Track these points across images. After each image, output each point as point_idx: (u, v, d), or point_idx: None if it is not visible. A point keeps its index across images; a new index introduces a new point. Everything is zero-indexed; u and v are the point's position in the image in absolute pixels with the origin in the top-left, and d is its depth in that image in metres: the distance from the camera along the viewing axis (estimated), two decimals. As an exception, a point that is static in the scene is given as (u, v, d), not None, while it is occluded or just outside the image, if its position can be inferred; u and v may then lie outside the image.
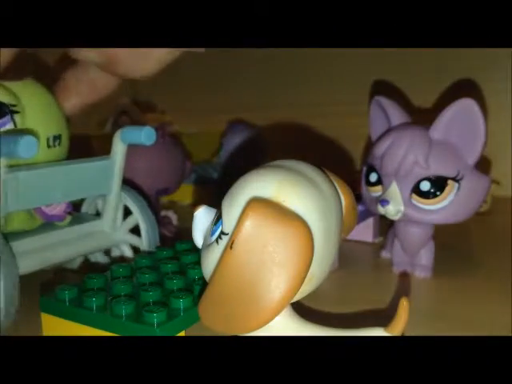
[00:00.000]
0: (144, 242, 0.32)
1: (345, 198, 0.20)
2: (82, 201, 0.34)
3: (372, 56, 0.56)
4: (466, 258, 0.37)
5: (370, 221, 0.40)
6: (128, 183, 0.33)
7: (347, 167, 0.57)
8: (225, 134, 0.57)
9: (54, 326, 0.23)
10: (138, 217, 0.32)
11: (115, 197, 0.31)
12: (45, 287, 0.30)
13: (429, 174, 0.30)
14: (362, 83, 0.58)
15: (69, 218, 0.30)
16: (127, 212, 0.33)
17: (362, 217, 0.38)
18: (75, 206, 0.34)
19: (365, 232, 0.40)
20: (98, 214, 0.33)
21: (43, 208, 0.28)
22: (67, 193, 0.29)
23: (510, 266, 0.34)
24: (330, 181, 0.19)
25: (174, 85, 0.69)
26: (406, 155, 0.30)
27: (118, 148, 0.31)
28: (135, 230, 0.33)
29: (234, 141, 0.55)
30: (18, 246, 0.27)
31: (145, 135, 0.29)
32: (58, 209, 0.29)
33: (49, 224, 0.30)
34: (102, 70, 0.29)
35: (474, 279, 0.32)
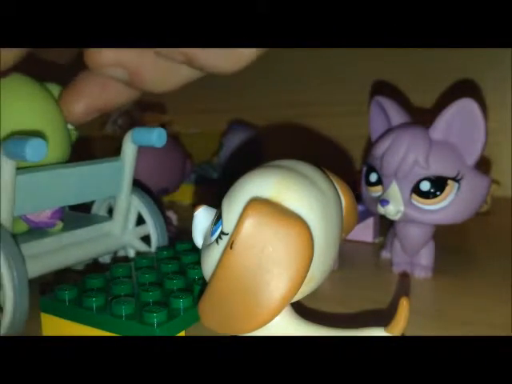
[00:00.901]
0: (153, 251, 0.32)
1: (345, 198, 0.20)
2: (92, 202, 0.34)
3: (372, 56, 0.56)
4: (465, 258, 0.37)
5: (370, 221, 0.40)
6: (134, 184, 0.33)
7: (347, 167, 0.57)
8: (225, 133, 0.57)
9: (54, 326, 0.23)
10: (150, 226, 0.32)
11: (125, 198, 0.31)
12: (45, 287, 0.30)
13: (429, 174, 0.30)
14: (362, 83, 0.58)
15: (60, 225, 0.29)
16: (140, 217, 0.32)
17: (362, 217, 0.38)
18: (86, 208, 0.34)
19: (365, 232, 0.40)
20: (110, 214, 0.33)
21: (28, 215, 0.28)
22: (77, 194, 0.29)
23: (510, 266, 0.34)
24: (330, 181, 0.19)
25: (174, 85, 0.68)
26: (405, 155, 0.30)
27: (129, 149, 0.30)
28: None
29: (234, 141, 0.55)
30: (30, 248, 0.27)
31: (156, 137, 0.29)
32: (42, 215, 0.28)
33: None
34: (126, 85, 0.28)
35: (474, 279, 0.32)
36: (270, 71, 0.65)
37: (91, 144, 0.56)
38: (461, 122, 0.30)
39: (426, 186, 0.30)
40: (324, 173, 0.19)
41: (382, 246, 0.38)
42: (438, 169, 0.30)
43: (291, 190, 0.17)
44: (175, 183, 0.45)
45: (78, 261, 0.30)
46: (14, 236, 0.26)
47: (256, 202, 0.17)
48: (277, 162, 0.19)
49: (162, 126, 0.44)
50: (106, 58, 0.26)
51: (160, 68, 0.27)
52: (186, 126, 0.66)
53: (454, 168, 0.30)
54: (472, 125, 0.30)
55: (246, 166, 0.20)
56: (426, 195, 0.31)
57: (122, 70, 0.27)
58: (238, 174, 0.19)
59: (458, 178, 0.30)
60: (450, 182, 0.30)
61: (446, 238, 0.37)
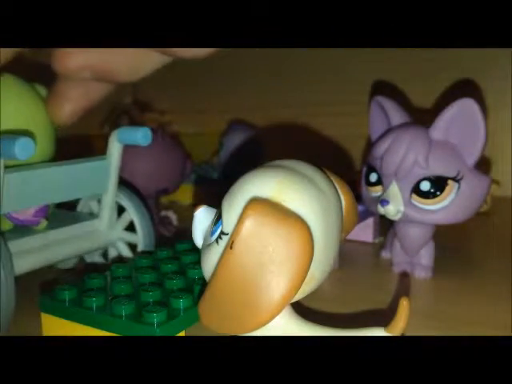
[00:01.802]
0: (140, 238, 0.32)
1: (345, 198, 0.20)
2: (77, 201, 0.34)
3: (372, 56, 0.56)
4: (465, 258, 0.37)
5: (370, 221, 0.40)
6: (128, 184, 0.33)
7: (347, 167, 0.57)
8: (225, 133, 0.57)
9: (54, 326, 0.23)
10: (133, 213, 0.32)
11: (111, 197, 0.31)
12: (45, 287, 0.30)
13: (429, 174, 0.30)
14: (362, 83, 0.58)
15: (44, 223, 0.29)
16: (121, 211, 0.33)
17: (362, 217, 0.38)
18: (71, 206, 0.34)
19: (365, 232, 0.40)
20: (91, 215, 0.33)
21: (12, 213, 0.28)
22: (64, 192, 0.29)
23: (510, 265, 0.34)
24: (330, 181, 0.19)
25: (174, 85, 0.69)
26: (405, 155, 0.30)
27: (114, 148, 0.30)
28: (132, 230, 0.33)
29: (234, 141, 0.55)
30: (16, 245, 0.27)
31: (141, 136, 0.29)
32: (27, 213, 0.28)
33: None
34: (98, 82, 0.28)
35: (474, 279, 0.32)
36: (270, 71, 0.65)
37: (90, 143, 0.56)
38: (461, 122, 0.30)
39: (426, 185, 0.30)
40: (324, 173, 0.19)
41: (381, 246, 0.38)
42: (437, 169, 0.30)
43: (291, 190, 0.17)
44: (175, 183, 0.45)
45: (66, 257, 0.30)
46: (2, 233, 0.26)
47: (256, 201, 0.17)
48: (277, 162, 0.19)
49: (162, 126, 0.44)
50: (74, 62, 0.26)
51: (131, 58, 0.26)
52: (186, 126, 0.66)
53: (454, 168, 0.30)
54: (472, 125, 0.30)
55: (246, 166, 0.20)
56: (426, 195, 0.31)
57: (91, 72, 0.26)
58: (238, 174, 0.19)
59: (458, 177, 0.30)
60: (450, 181, 0.30)
61: (446, 238, 0.36)
